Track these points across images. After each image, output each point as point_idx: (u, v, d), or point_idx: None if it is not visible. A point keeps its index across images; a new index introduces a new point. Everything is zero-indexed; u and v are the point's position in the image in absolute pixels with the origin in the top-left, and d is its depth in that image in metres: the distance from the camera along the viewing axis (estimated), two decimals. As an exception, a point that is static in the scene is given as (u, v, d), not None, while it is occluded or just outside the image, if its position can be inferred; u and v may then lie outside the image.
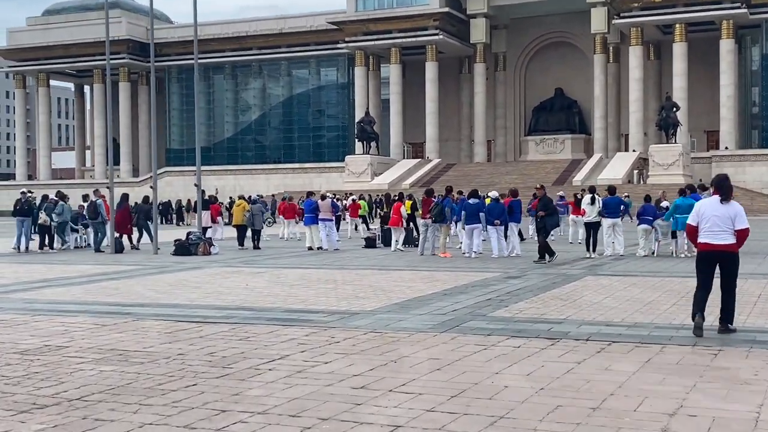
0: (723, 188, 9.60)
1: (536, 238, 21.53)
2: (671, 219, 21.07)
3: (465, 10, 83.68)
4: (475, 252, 21.70)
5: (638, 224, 21.67)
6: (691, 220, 9.79)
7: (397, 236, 25.07)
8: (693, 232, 9.75)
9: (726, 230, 9.45)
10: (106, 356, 8.74)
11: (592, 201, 21.09)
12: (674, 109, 68.43)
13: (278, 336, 9.91)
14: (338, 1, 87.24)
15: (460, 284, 15.13)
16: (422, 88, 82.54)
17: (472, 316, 11.24)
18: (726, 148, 73.13)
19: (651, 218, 21.36)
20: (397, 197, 28.40)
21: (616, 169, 69.89)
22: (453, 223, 23.58)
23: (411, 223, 27.35)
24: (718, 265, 9.63)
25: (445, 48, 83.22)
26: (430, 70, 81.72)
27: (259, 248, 26.86)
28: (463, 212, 22.19)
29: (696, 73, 75.45)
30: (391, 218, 25.48)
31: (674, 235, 21.38)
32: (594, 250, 21.26)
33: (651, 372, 7.52)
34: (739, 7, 71.41)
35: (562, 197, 34.60)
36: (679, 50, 73.26)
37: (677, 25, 73.30)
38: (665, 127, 68.76)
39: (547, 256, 19.68)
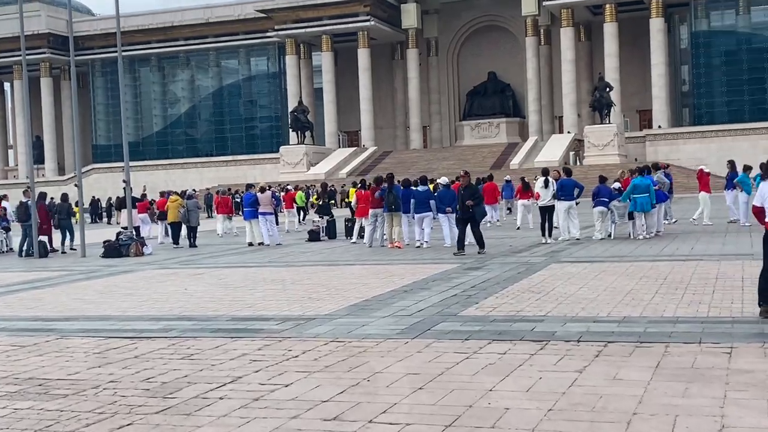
0: None
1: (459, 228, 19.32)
2: (628, 200, 20.29)
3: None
4: (426, 242, 20.60)
5: (594, 206, 20.82)
6: (756, 201, 9.45)
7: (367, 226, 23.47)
8: (760, 213, 9.40)
9: None
10: (22, 388, 7.36)
11: (546, 184, 20.17)
12: (607, 89, 68.46)
13: (226, 351, 8.64)
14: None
15: (419, 279, 14.00)
16: (355, 76, 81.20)
17: (441, 316, 10.11)
18: (659, 126, 73.56)
19: (607, 200, 20.53)
20: (360, 185, 27.20)
21: (553, 151, 69.64)
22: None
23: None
24: None
25: (377, 34, 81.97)
26: (363, 57, 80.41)
27: (195, 246, 25.35)
28: (412, 200, 21.04)
29: (627, 53, 75.68)
30: (358, 208, 23.98)
31: (631, 216, 20.60)
32: (550, 235, 20.36)
33: (668, 380, 6.49)
34: (669, -14, 71.80)
35: (508, 181, 33.87)
36: (609, 30, 73.38)
37: (607, 6, 73.38)
38: (599, 107, 68.73)
39: (478, 248, 18.41)
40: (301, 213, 39.39)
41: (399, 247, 20.94)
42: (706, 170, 24.35)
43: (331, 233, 26.07)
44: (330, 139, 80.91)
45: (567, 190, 20.21)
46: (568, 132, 74.83)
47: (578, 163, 67.92)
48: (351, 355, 8.13)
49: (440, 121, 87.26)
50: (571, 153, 70.28)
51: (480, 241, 18.35)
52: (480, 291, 12.15)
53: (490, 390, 6.49)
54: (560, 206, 20.39)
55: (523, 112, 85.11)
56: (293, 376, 7.32)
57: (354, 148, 79.83)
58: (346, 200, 48.96)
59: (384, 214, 21.43)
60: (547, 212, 20.24)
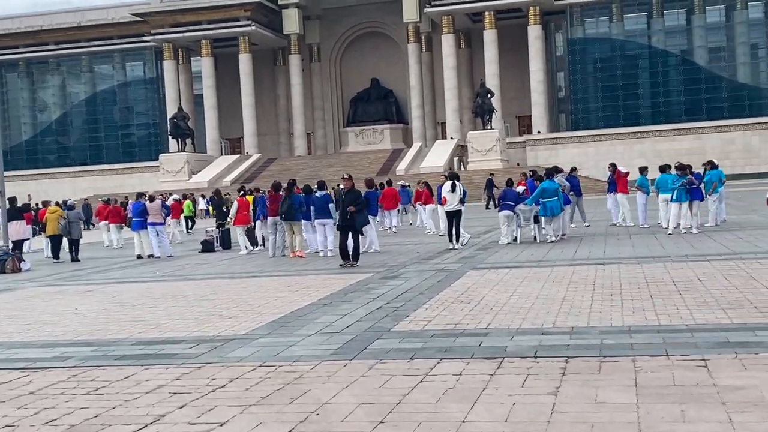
0: None
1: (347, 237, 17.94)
2: (535, 204, 20.00)
3: (277, 0, 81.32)
4: (330, 250, 19.72)
5: (500, 210, 20.42)
6: None
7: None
8: None
9: None
10: None
11: (453, 188, 19.60)
12: (489, 95, 69.25)
13: (139, 383, 7.53)
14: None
15: (335, 290, 13.11)
16: (237, 82, 79.42)
17: (374, 332, 9.27)
18: (539, 132, 74.99)
19: (513, 203, 20.16)
20: (240, 192, 26.05)
21: (437, 156, 69.88)
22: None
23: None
24: None
25: (258, 39, 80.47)
26: (244, 62, 78.73)
27: (78, 260, 23.62)
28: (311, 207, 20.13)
29: (506, 60, 76.84)
30: (237, 217, 22.95)
31: (536, 220, 20.31)
32: (457, 241, 19.82)
33: (657, 402, 5.85)
34: (545, -7, 73.31)
35: (403, 186, 33.37)
36: (489, 38, 74.34)
37: (486, 13, 74.32)
38: (481, 113, 69.44)
39: (348, 260, 17.16)
40: (189, 222, 37.81)
41: (301, 257, 19.97)
42: (624, 171, 24.29)
43: (225, 243, 24.82)
44: (212, 147, 78.82)
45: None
46: (452, 138, 75.38)
47: (462, 169, 68.44)
48: (287, 383, 7.18)
49: (324, 128, 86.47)
50: (455, 158, 70.76)
51: (356, 252, 17.26)
52: (405, 302, 11.37)
53: (463, 421, 5.69)
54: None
55: (407, 118, 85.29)
56: (227, 413, 6.33)
57: (237, 156, 78.00)
58: (225, 208, 47.42)
59: (282, 222, 20.42)
60: (454, 217, 19.69)
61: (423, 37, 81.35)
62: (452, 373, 7.12)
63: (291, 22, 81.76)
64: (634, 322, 8.90)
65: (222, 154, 79.01)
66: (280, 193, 20.86)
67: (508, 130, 77.11)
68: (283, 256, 20.67)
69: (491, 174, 53.71)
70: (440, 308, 10.65)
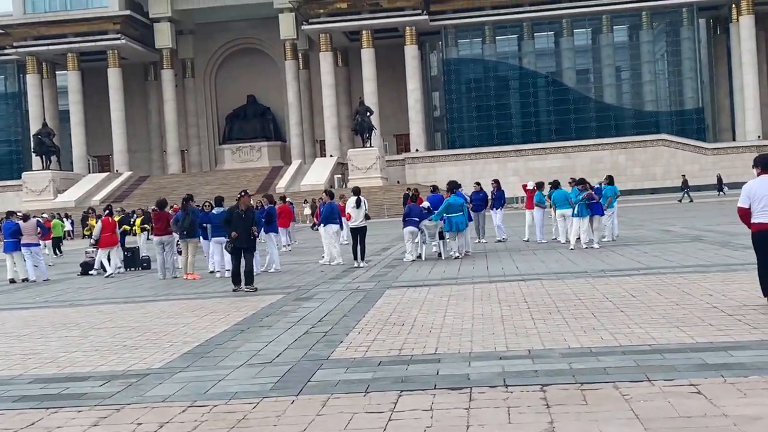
0: None
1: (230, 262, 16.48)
2: (440, 219, 19.47)
3: (148, 13, 78.87)
4: (228, 270, 18.55)
5: (404, 227, 19.77)
6: (741, 203, 9.61)
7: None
8: (746, 214, 9.62)
9: None
10: None
11: (358, 204, 18.83)
12: (368, 113, 69.08)
13: None
14: (3, 2, 78.23)
15: (247, 314, 12.07)
16: (106, 97, 76.45)
17: (311, 361, 8.34)
18: (417, 150, 75.38)
19: (417, 219, 19.54)
20: (107, 211, 24.32)
21: (318, 174, 69.12)
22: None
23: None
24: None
25: (128, 53, 77.77)
26: (114, 76, 75.86)
27: (-60, 286, 21.44)
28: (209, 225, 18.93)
29: (384, 79, 77.03)
30: (102, 238, 21.29)
31: (441, 236, 19.79)
32: (362, 258, 19.03)
33: (672, 435, 5.22)
34: (420, 14, 73.88)
35: (290, 203, 32.42)
36: (367, 56, 74.35)
37: (364, 32, 74.33)
38: (361, 131, 69.15)
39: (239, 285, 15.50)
40: (58, 243, 35.49)
41: (195, 278, 18.69)
42: (530, 186, 24.04)
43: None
44: (79, 164, 75.43)
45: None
46: (331, 155, 74.83)
47: (344, 186, 67.89)
48: (231, 427, 6.18)
49: (199, 145, 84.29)
50: (337, 176, 70.19)
51: (250, 276, 15.34)
52: (332, 326, 10.47)
53: (464, 467, 4.89)
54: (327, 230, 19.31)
55: (284, 135, 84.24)
56: (171, 466, 5.29)
57: (107, 174, 74.90)
58: (86, 231, 45.18)
59: (180, 241, 19.10)
60: (359, 233, 18.88)
61: (300, 55, 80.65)
62: (421, 408, 6.30)
63: (163, 36, 79.47)
64: (591, 343, 8.33)
65: (90, 172, 75.70)
66: (167, 211, 19.52)
67: (386, 148, 77.24)
68: (174, 277, 19.32)
69: (408, 189, 53.35)
70: (374, 331, 9.82)
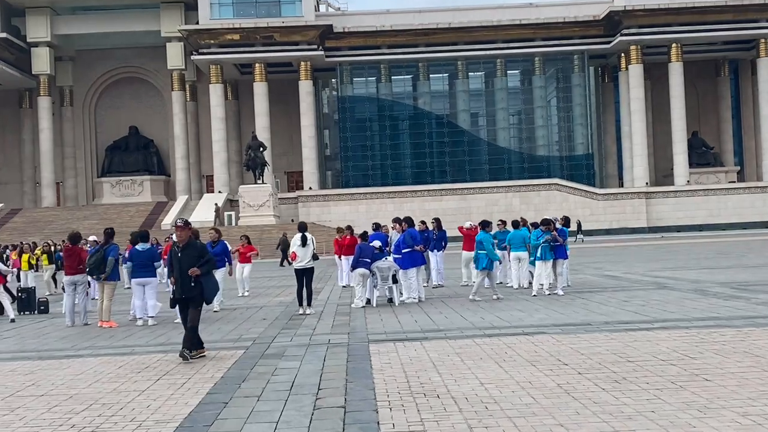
0: None
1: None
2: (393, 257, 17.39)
3: (25, 37, 74.05)
4: (151, 317, 15.83)
5: (354, 268, 17.55)
6: None
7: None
8: None
9: None
10: None
11: (304, 242, 16.50)
12: (261, 148, 66.48)
13: None
14: None
15: (215, 377, 9.56)
16: (-25, 123, 70.96)
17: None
18: (310, 188, 73.27)
19: (369, 260, 17.38)
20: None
21: (206, 210, 65.93)
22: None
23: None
24: None
25: (2, 78, 72.74)
26: (-15, 101, 70.59)
27: None
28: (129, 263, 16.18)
29: (275, 114, 74.84)
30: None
31: (394, 280, 17.68)
32: (309, 304, 16.67)
33: None
34: (315, 50, 72.22)
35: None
36: (259, 90, 72.08)
37: (257, 65, 72.09)
38: (253, 167, 66.39)
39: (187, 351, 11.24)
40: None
41: (112, 326, 15.85)
42: (468, 225, 22.14)
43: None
44: (-58, 195, 69.50)
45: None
46: (220, 191, 71.73)
47: (234, 224, 64.90)
48: None
49: (76, 177, 79.34)
50: (227, 213, 67.13)
51: (193, 338, 11.30)
52: (343, 396, 8.14)
53: None
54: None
55: (168, 169, 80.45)
56: None
57: (-26, 206, 69.21)
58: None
59: (92, 281, 16.26)
60: (305, 275, 16.53)
61: (188, 86, 77.37)
62: None
63: (41, 62, 74.72)
64: (731, 430, 6.38)
65: (-45, 204, 69.82)
66: (82, 246, 16.65)
67: (278, 186, 74.77)
68: (86, 324, 16.41)
69: (339, 228, 50.81)
70: (410, 408, 7.57)
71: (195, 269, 11.42)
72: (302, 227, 16.93)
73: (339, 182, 78.89)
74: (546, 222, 18.70)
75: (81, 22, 75.25)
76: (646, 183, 73.88)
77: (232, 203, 70.01)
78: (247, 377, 9.52)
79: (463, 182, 73.72)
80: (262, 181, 66.53)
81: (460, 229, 22.71)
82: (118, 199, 75.70)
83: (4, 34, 70.77)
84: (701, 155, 79.71)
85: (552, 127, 78.88)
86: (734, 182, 77.49)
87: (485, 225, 18.68)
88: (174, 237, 13.03)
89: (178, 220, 12.19)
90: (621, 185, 78.47)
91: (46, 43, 74.53)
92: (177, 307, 11.89)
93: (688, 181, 73.65)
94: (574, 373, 8.83)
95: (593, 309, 15.00)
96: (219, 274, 17.43)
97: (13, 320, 17.91)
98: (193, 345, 11.26)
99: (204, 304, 11.66)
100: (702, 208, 72.05)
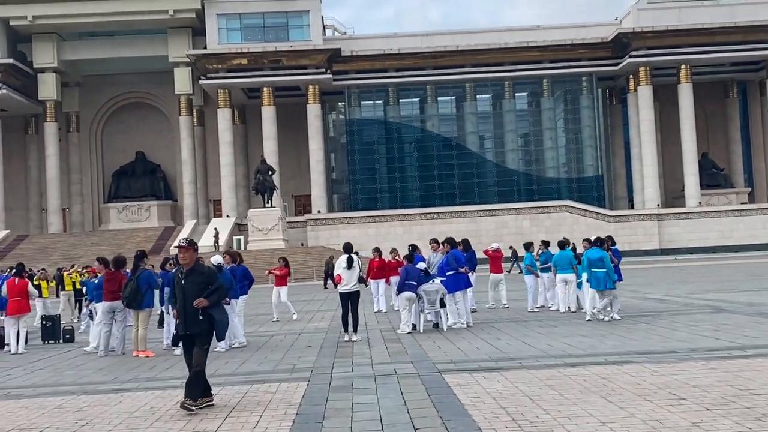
0: None
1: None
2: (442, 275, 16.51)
3: (32, 63, 73.51)
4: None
5: (399, 292, 16.69)
6: None
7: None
8: None
9: None
10: None
11: (350, 264, 15.65)
12: (270, 172, 65.73)
13: None
14: None
15: (289, 414, 8.68)
16: (-20, 149, 70.23)
17: None
18: (319, 211, 72.48)
19: (415, 284, 16.51)
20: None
21: (207, 235, 64.96)
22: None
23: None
24: None
25: (8, 105, 72.02)
26: (-9, 128, 69.93)
27: None
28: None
29: (283, 138, 74.15)
30: None
31: (442, 304, 16.79)
32: (355, 330, 15.79)
33: None
34: (323, 73, 71.73)
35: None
36: (267, 114, 71.47)
37: (265, 89, 71.52)
38: (262, 191, 65.56)
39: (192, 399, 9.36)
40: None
41: (149, 356, 14.95)
42: (494, 247, 21.30)
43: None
44: (-52, 222, 68.63)
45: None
46: (228, 216, 70.89)
47: (243, 248, 64.03)
48: None
49: (82, 203, 78.50)
50: (236, 238, 66.27)
51: (198, 383, 9.37)
52: (451, 437, 7.29)
53: None
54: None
55: (175, 194, 79.69)
56: None
57: (-20, 233, 68.30)
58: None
59: (127, 310, 15.36)
60: (350, 300, 15.67)
61: (195, 111, 76.71)
62: None
63: (47, 88, 74.13)
64: None
65: (-39, 231, 68.92)
66: (123, 272, 15.76)
67: (286, 209, 73.94)
68: (122, 354, 15.49)
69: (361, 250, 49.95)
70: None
71: (201, 299, 9.57)
72: (348, 248, 16.08)
73: (346, 206, 78.15)
74: (599, 241, 17.80)
75: (87, 48, 74.78)
76: (658, 204, 73.12)
77: (240, 227, 69.16)
78: (326, 415, 8.64)
79: (472, 204, 72.98)
80: (271, 204, 65.71)
81: (486, 252, 21.88)
82: (125, 224, 74.89)
83: (10, 60, 70.18)
84: (711, 176, 79.07)
85: (560, 149, 78.20)
86: (746, 203, 76.76)
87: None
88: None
89: (182, 240, 10.31)
90: (631, 207, 77.71)
91: (53, 68, 73.97)
92: (180, 344, 9.98)
93: (699, 203, 72.90)
94: (701, 409, 7.96)
95: (664, 335, 14.11)
96: (240, 302, 16.63)
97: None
98: (197, 393, 9.33)
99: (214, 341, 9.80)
100: (714, 229, 71.25)
